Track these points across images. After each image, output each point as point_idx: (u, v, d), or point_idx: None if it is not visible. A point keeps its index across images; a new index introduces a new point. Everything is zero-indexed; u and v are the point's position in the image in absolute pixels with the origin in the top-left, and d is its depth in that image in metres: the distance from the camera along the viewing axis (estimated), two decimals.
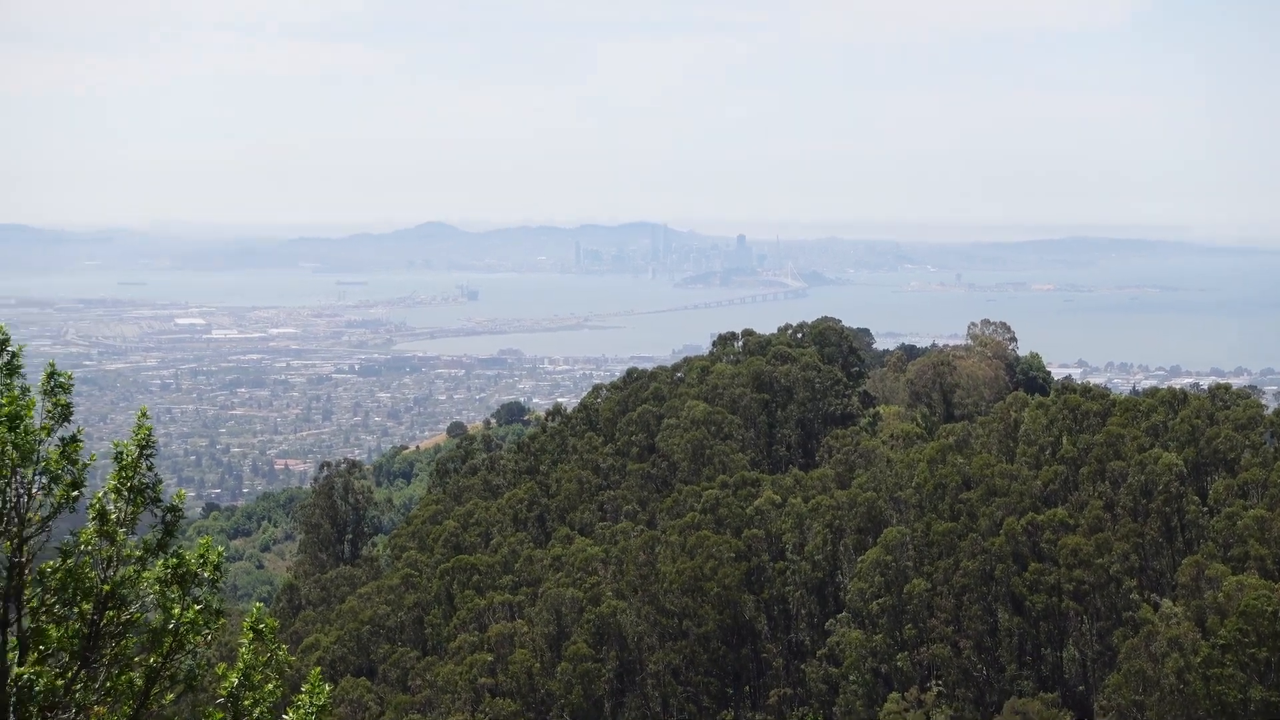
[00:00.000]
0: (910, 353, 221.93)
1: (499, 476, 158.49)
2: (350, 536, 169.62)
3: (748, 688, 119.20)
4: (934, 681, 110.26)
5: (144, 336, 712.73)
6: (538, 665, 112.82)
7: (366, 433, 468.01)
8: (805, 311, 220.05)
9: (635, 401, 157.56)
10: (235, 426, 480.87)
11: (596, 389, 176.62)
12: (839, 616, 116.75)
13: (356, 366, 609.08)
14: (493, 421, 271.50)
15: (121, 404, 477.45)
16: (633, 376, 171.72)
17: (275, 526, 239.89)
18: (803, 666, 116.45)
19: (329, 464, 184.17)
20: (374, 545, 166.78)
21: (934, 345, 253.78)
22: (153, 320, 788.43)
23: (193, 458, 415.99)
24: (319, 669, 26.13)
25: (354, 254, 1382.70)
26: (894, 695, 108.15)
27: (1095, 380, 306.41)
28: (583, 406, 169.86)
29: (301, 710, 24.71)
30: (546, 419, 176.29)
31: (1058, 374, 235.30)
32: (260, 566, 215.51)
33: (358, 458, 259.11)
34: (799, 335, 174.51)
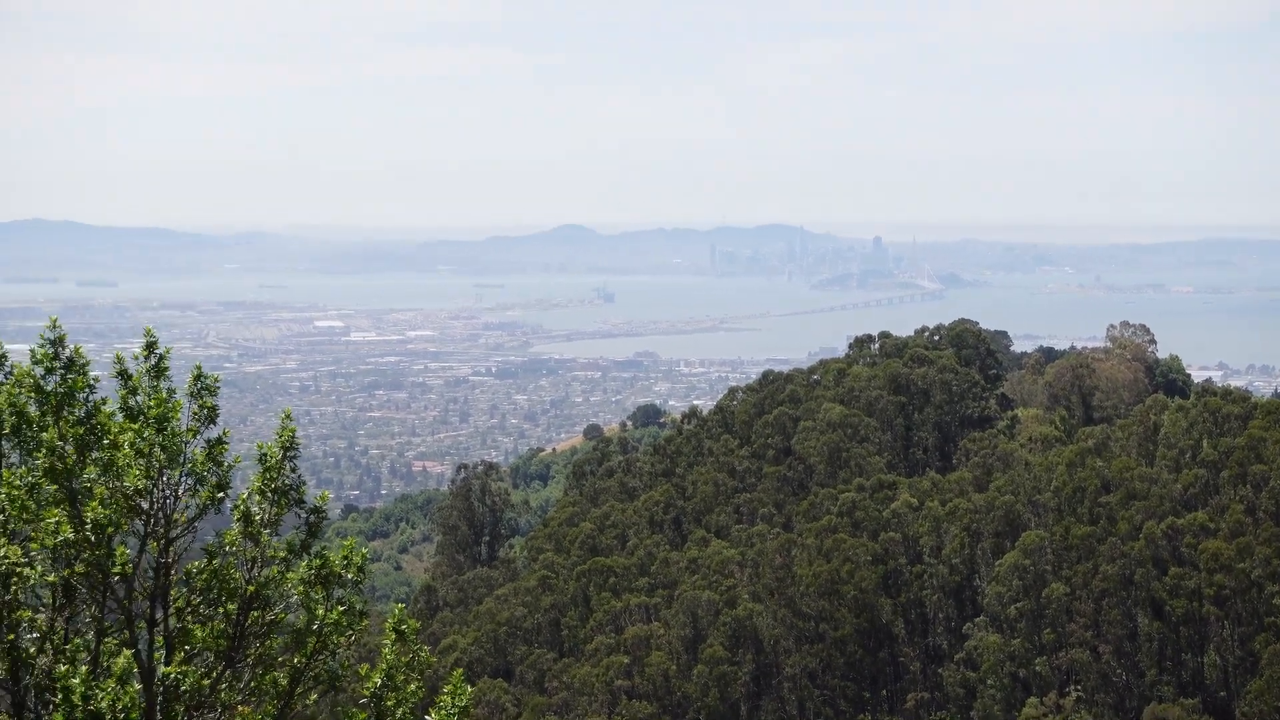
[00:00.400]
0: (1048, 355, 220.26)
1: (635, 479, 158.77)
2: (487, 538, 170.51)
3: (885, 691, 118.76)
4: (1073, 687, 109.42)
5: (283, 339, 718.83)
6: (674, 668, 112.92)
7: (503, 435, 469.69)
8: (942, 314, 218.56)
9: (771, 404, 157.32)
10: (373, 428, 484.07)
11: (732, 391, 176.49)
12: (976, 620, 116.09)
13: (493, 369, 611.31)
14: (629, 424, 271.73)
15: (261, 406, 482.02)
16: (769, 379, 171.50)
17: (413, 528, 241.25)
18: (940, 670, 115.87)
19: (466, 466, 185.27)
20: (511, 547, 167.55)
21: (1072, 348, 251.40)
22: (292, 323, 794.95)
23: (331, 459, 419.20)
24: (461, 670, 26.28)
25: (491, 256, 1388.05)
26: (1032, 700, 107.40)
27: (1236, 383, 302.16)
28: (718, 409, 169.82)
29: (444, 711, 24.86)
30: (682, 421, 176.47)
31: (1198, 377, 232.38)
32: (398, 568, 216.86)
33: (494, 460, 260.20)
34: (936, 337, 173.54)
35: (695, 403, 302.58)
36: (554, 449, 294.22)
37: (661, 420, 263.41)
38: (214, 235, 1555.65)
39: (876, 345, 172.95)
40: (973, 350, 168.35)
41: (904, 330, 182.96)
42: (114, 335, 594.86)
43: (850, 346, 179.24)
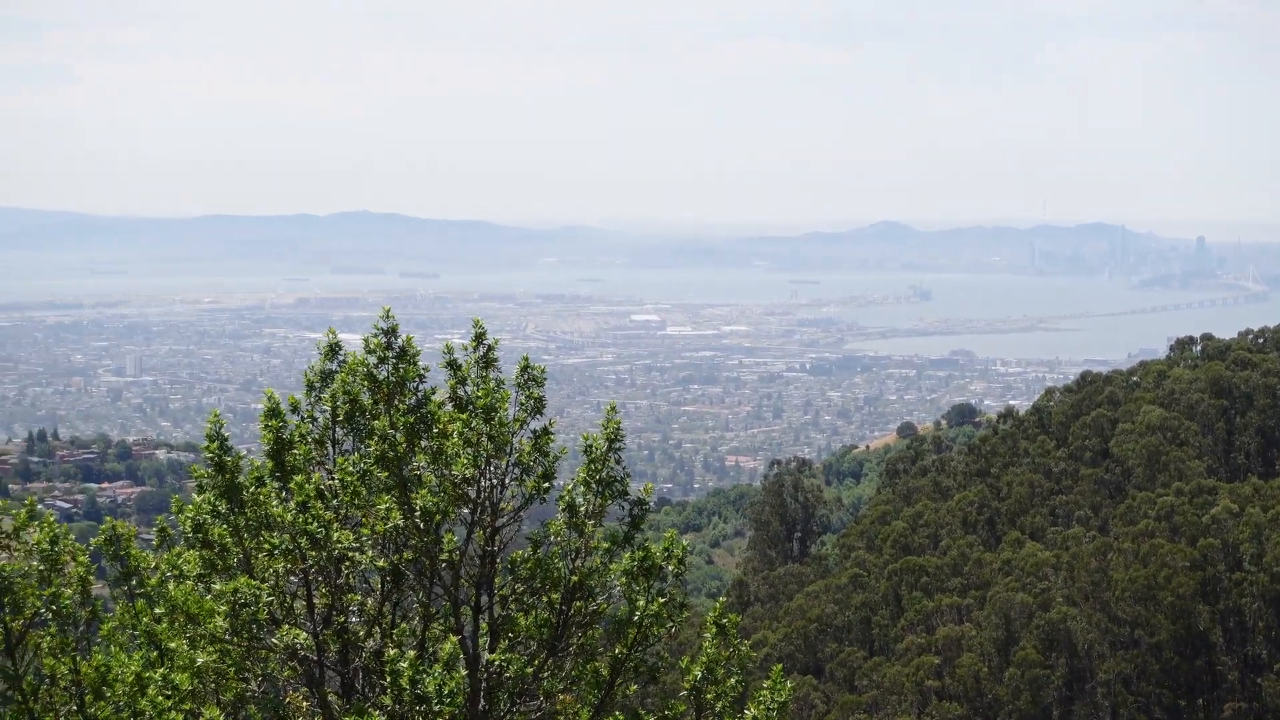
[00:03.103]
0: None
1: (949, 478, 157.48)
2: (799, 534, 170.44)
3: (1201, 700, 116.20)
4: None
5: (600, 332, 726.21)
6: (985, 669, 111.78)
7: (816, 431, 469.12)
8: (1267, 316, 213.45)
9: (1089, 405, 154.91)
10: (687, 422, 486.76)
11: (1049, 392, 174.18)
12: None
13: (808, 365, 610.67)
14: (943, 423, 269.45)
15: (578, 398, 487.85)
16: (1086, 380, 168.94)
17: (725, 522, 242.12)
18: (1259, 681, 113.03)
19: (779, 462, 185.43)
20: (822, 544, 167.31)
21: None
22: (609, 316, 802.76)
23: (645, 453, 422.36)
24: (780, 665, 26.34)
25: (808, 252, 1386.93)
26: None
27: None
28: (1035, 409, 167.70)
29: (762, 706, 24.94)
30: (998, 421, 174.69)
31: None
32: (710, 562, 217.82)
33: (807, 456, 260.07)
34: (1260, 340, 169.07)
35: (1011, 403, 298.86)
36: (867, 446, 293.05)
37: (976, 419, 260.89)
38: (534, 229, 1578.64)
39: (1198, 347, 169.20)
40: None
41: (1227, 332, 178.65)
42: (435, 326, 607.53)
43: (1171, 348, 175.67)
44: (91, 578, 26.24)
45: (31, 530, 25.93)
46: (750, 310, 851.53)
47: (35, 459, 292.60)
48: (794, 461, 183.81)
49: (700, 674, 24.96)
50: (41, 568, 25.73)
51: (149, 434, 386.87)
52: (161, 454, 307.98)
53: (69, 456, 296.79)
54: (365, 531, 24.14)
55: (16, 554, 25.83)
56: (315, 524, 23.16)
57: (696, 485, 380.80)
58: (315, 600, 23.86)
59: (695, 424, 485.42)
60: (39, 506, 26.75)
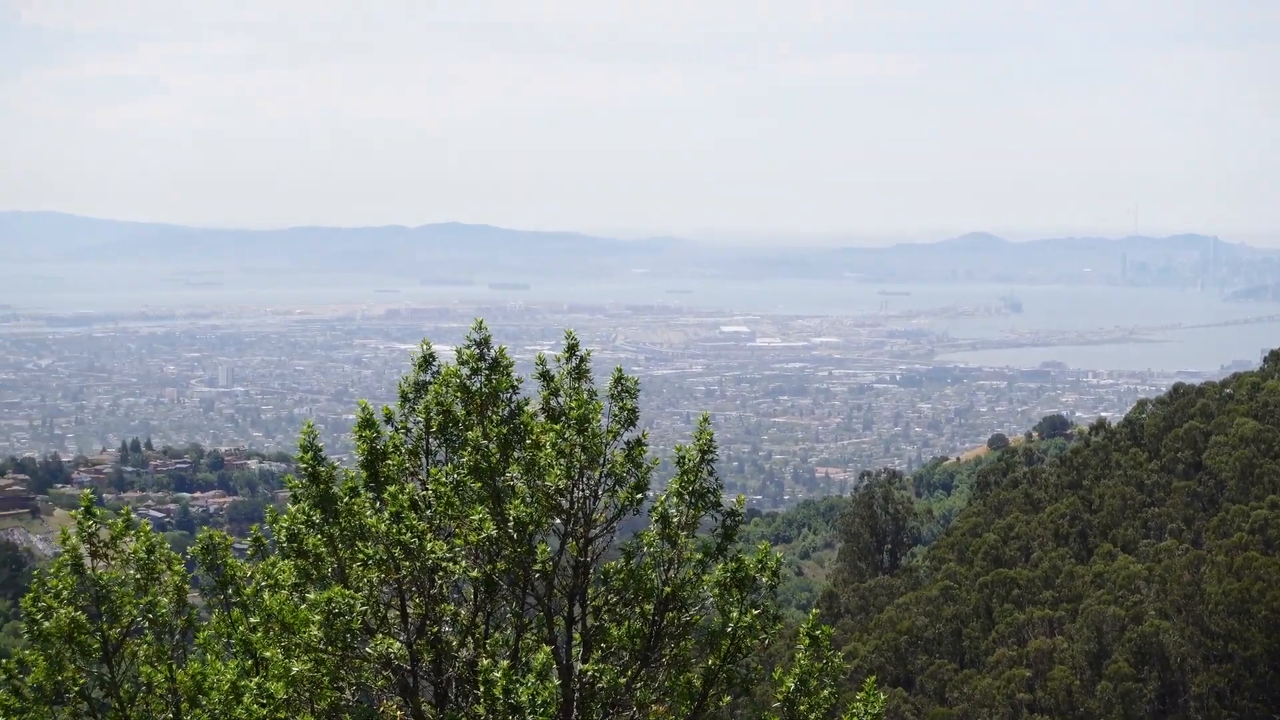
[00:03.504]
0: None
1: (1040, 490, 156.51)
2: (889, 546, 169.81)
3: None
4: None
5: (689, 343, 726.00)
6: (1077, 683, 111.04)
7: (907, 443, 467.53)
8: None
9: (1181, 417, 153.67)
10: (777, 434, 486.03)
11: (1141, 404, 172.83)
12: None
13: (898, 376, 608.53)
14: (1034, 434, 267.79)
15: (667, 409, 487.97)
16: (1179, 392, 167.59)
17: (815, 534, 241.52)
18: None
19: (869, 473, 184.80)
20: (913, 556, 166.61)
21: None
22: (698, 327, 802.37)
23: (735, 464, 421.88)
24: (873, 677, 26.26)
25: (897, 264, 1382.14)
26: None
27: None
28: (1127, 421, 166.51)
29: (856, 718, 24.89)
30: (1090, 433, 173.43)
31: None
32: (799, 573, 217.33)
33: (898, 467, 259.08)
34: None
35: (1103, 414, 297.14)
36: (958, 458, 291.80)
37: (1068, 431, 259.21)
38: (623, 240, 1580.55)
39: None
40: None
41: None
42: (525, 337, 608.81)
43: (1265, 360, 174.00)
44: (187, 586, 26.47)
45: (128, 539, 26.17)
46: (840, 321, 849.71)
47: (129, 469, 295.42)
48: (884, 473, 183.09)
49: (794, 685, 24.91)
50: (138, 576, 25.97)
51: (241, 444, 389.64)
52: (253, 464, 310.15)
53: (162, 466, 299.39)
54: (459, 542, 24.24)
55: (113, 563, 26.07)
56: (409, 534, 23.28)
57: (786, 497, 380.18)
58: (409, 610, 23.98)
59: (785, 435, 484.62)
60: (133, 516, 26.99)
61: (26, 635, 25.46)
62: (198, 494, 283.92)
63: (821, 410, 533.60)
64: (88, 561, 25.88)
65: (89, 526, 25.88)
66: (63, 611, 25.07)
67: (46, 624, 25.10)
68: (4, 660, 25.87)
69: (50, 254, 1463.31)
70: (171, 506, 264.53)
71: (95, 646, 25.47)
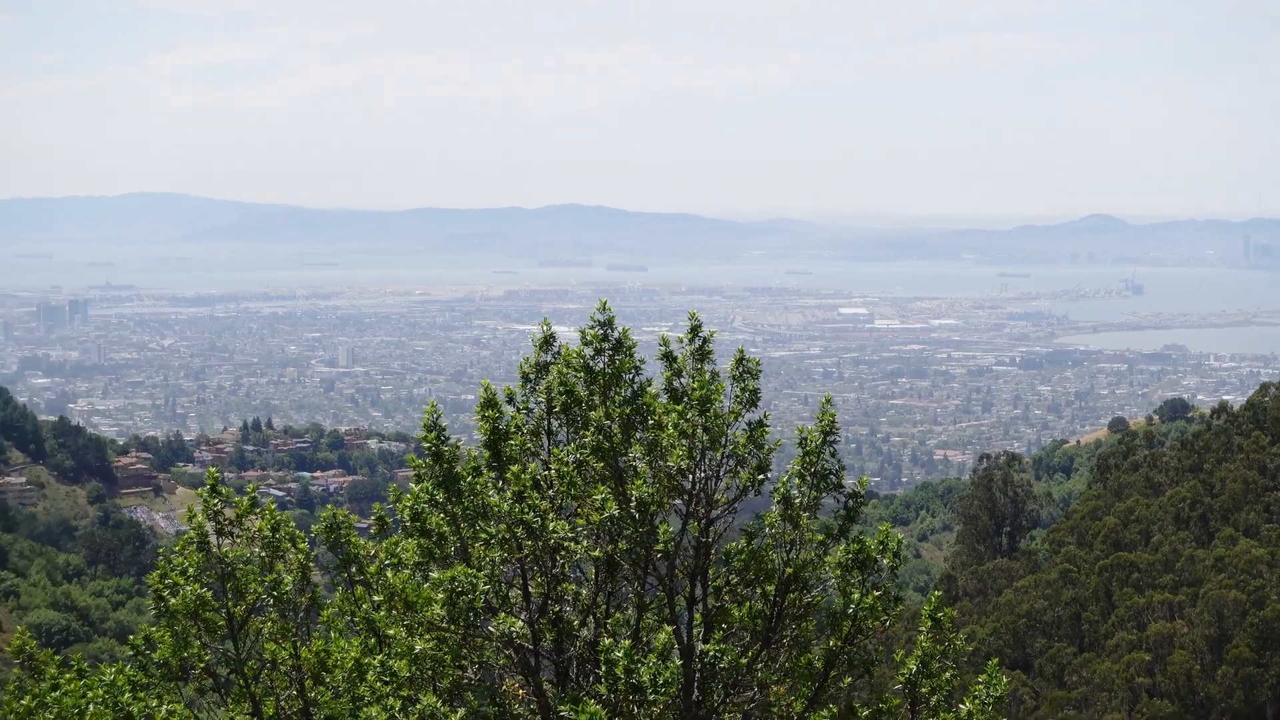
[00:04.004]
0: None
1: (1161, 474, 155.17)
2: (1008, 529, 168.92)
3: None
4: None
5: (807, 325, 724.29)
6: (1197, 667, 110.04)
7: (1026, 425, 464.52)
8: None
9: None
10: (895, 416, 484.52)
11: (1264, 387, 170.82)
12: None
13: (1017, 359, 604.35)
14: (1155, 418, 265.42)
15: (785, 391, 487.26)
16: None
17: (933, 516, 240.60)
18: None
19: (988, 456, 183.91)
20: (1031, 539, 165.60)
21: None
22: (816, 309, 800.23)
23: (853, 445, 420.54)
24: (996, 660, 26.14)
25: (1018, 246, 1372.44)
26: None
27: None
28: (1249, 405, 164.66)
29: (977, 701, 24.78)
30: (1211, 416, 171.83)
31: None
32: (917, 555, 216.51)
33: (1017, 450, 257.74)
34: None
35: (1225, 398, 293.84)
36: (1078, 441, 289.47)
37: (1189, 414, 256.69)
38: (741, 221, 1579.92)
39: None
40: None
41: None
42: (643, 318, 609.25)
43: None
44: (311, 565, 26.68)
45: (253, 518, 26.41)
46: (959, 304, 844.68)
47: (250, 448, 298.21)
48: (1003, 456, 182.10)
49: (915, 667, 24.84)
50: (263, 554, 26.22)
51: (360, 424, 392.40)
52: (373, 444, 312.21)
53: (283, 446, 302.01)
54: (581, 522, 24.28)
55: (239, 541, 26.32)
56: (532, 514, 23.34)
57: (904, 479, 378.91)
58: (531, 589, 24.04)
59: (903, 417, 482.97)
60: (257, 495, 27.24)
61: (152, 612, 25.75)
62: (318, 473, 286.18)
63: (940, 392, 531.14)
64: (213, 539, 26.14)
65: (214, 505, 26.13)
66: (189, 589, 25.34)
67: (173, 601, 25.38)
68: (131, 637, 26.20)
69: (174, 235, 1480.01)
70: (292, 485, 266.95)
71: (220, 623, 25.75)
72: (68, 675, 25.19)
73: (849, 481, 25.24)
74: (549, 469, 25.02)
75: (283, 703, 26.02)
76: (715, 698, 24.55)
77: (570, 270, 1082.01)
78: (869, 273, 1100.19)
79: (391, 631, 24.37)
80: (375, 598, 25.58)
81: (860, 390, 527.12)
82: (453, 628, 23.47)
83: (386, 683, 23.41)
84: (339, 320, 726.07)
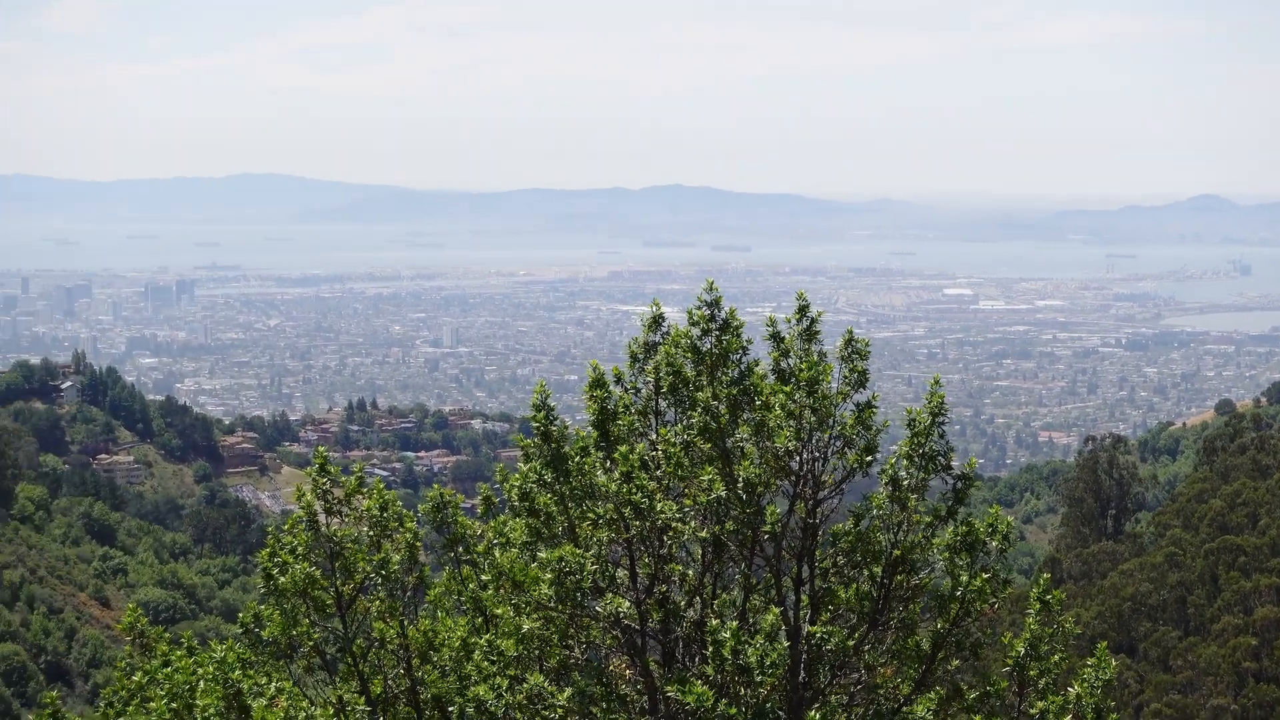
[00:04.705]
0: None
1: (1269, 456, 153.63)
2: (1113, 512, 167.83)
3: None
4: None
5: (911, 306, 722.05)
6: None
7: (1131, 407, 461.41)
8: None
9: None
10: (1000, 397, 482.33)
11: None
12: None
13: (1123, 340, 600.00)
14: (1262, 399, 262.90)
15: (888, 371, 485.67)
16: None
17: (1037, 499, 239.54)
18: None
19: (1093, 438, 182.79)
20: (1137, 522, 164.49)
21: None
22: (920, 290, 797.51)
23: (957, 427, 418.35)
24: (1105, 643, 25.96)
25: (1124, 226, 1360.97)
26: None
27: None
28: None
29: (1086, 684, 24.63)
30: None
31: None
32: (1022, 538, 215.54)
33: (1122, 432, 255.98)
34: None
35: None
36: (1184, 423, 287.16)
37: None
38: (845, 202, 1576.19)
39: None
40: None
41: None
42: (747, 299, 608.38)
43: None
44: (419, 544, 26.82)
45: (360, 497, 26.56)
46: (1064, 285, 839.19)
47: (355, 427, 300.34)
48: (1109, 438, 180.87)
49: (1024, 650, 24.71)
50: (371, 533, 26.37)
51: (464, 404, 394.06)
52: (477, 424, 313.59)
53: (387, 425, 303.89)
54: (688, 502, 24.31)
55: (347, 520, 26.49)
56: (639, 494, 23.36)
57: (1009, 461, 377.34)
58: (638, 570, 24.08)
59: (1008, 399, 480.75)
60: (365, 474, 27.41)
61: (261, 589, 25.97)
62: (422, 453, 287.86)
63: (1045, 374, 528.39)
64: (322, 518, 26.31)
65: (323, 483, 26.30)
66: (298, 567, 25.52)
67: (282, 579, 25.57)
68: (240, 614, 26.44)
69: (280, 215, 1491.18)
70: (396, 466, 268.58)
71: (329, 602, 25.91)
72: (178, 653, 25.43)
73: (956, 463, 25.13)
74: (656, 449, 25.04)
75: (390, 681, 26.18)
76: (822, 679, 24.53)
77: (674, 251, 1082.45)
78: (974, 253, 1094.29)
79: (499, 611, 24.46)
80: (483, 577, 25.69)
81: (965, 371, 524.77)
82: (560, 608, 23.54)
83: (493, 662, 23.51)
84: (443, 300, 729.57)
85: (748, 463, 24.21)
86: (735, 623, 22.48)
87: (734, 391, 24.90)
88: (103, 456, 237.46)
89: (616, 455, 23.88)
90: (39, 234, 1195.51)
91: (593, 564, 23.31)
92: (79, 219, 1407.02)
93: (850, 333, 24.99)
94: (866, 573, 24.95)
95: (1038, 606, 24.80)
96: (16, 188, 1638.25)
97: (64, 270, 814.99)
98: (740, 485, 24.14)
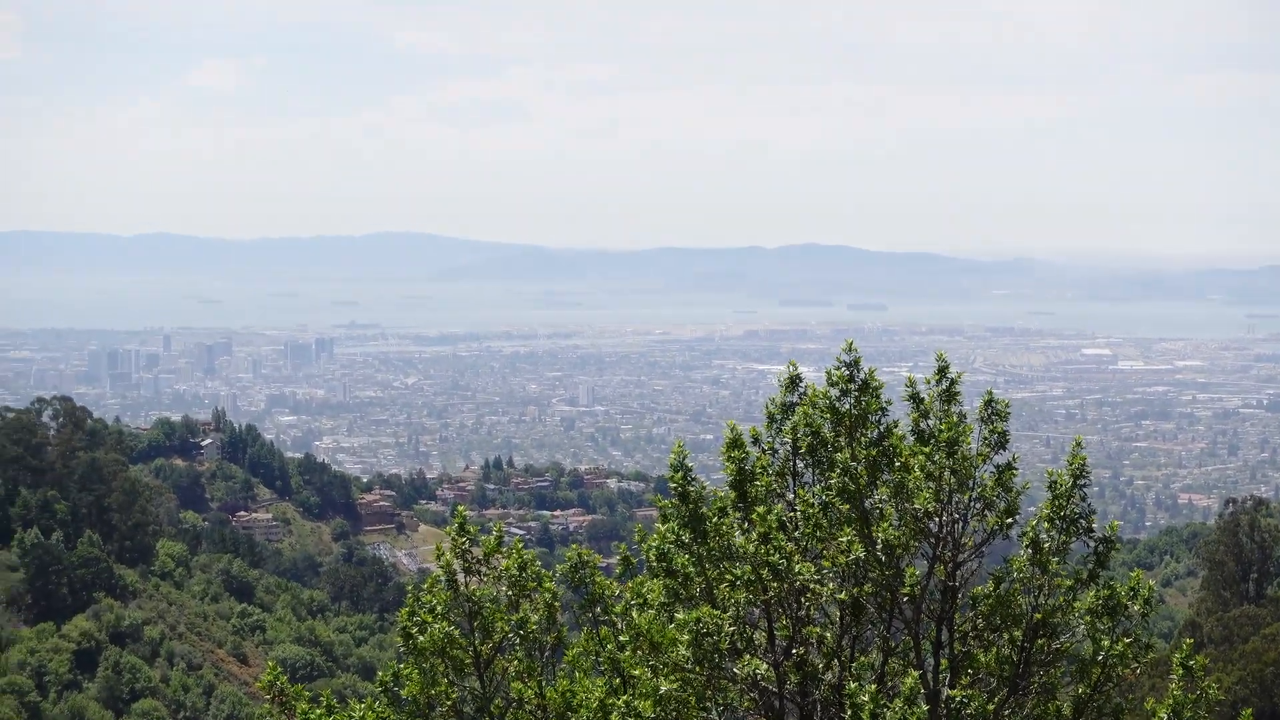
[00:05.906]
0: None
1: None
2: (1255, 575, 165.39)
3: None
4: None
5: (1049, 366, 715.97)
6: None
7: (1273, 469, 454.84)
8: None
9: None
10: (1139, 459, 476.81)
11: None
12: None
13: (1265, 401, 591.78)
14: None
15: (1025, 432, 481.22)
16: None
17: (1177, 562, 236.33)
18: None
19: (1234, 500, 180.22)
20: (1279, 586, 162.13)
21: None
22: (1059, 350, 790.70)
23: (1095, 489, 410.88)
24: (1250, 710, 25.58)
25: (1265, 286, 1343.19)
26: None
27: None
28: None
29: None
30: None
31: None
32: (1161, 601, 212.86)
33: (1264, 494, 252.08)
34: None
35: None
36: None
37: None
38: (982, 260, 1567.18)
39: None
40: None
41: None
42: (883, 358, 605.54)
43: None
44: (557, 604, 26.85)
45: (499, 556, 26.65)
46: (1204, 345, 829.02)
47: (491, 486, 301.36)
48: (1250, 500, 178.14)
49: (1167, 716, 24.39)
50: (510, 593, 26.44)
51: (600, 463, 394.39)
52: (612, 483, 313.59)
53: (523, 484, 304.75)
54: (826, 564, 24.21)
55: (485, 579, 26.57)
56: (777, 555, 23.31)
57: (1148, 523, 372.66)
58: (776, 631, 23.99)
59: (1147, 460, 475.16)
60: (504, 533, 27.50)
61: (400, 648, 26.08)
62: (557, 512, 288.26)
63: (1185, 435, 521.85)
64: (460, 577, 26.41)
65: (462, 543, 26.42)
66: (437, 626, 25.62)
67: (421, 638, 25.69)
68: (379, 673, 26.56)
69: (419, 274, 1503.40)
70: (532, 525, 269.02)
71: (467, 661, 26.00)
72: (318, 711, 25.58)
73: (1097, 526, 24.86)
74: (794, 510, 24.97)
75: None
76: None
77: (810, 310, 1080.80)
78: (1112, 313, 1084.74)
79: (636, 672, 24.44)
80: (620, 638, 25.68)
81: (1103, 432, 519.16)
82: (697, 669, 23.51)
83: None
84: (579, 359, 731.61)
85: (887, 524, 24.12)
86: (874, 686, 22.38)
87: (873, 452, 24.82)
88: (242, 513, 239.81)
89: (754, 516, 23.86)
90: (181, 292, 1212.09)
91: (730, 625, 23.28)
92: (221, 277, 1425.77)
93: (990, 394, 24.85)
94: (1007, 636, 24.75)
95: (1180, 672, 24.48)
96: (162, 246, 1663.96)
97: (205, 328, 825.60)
98: (879, 547, 24.05)
